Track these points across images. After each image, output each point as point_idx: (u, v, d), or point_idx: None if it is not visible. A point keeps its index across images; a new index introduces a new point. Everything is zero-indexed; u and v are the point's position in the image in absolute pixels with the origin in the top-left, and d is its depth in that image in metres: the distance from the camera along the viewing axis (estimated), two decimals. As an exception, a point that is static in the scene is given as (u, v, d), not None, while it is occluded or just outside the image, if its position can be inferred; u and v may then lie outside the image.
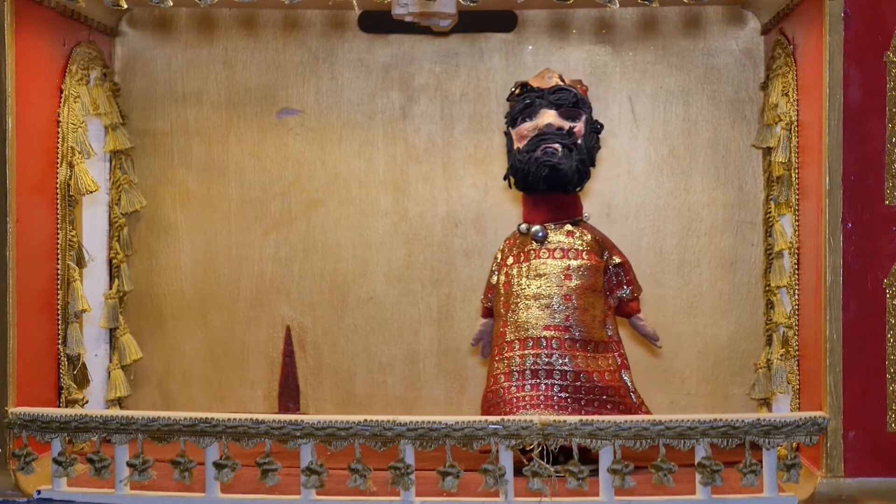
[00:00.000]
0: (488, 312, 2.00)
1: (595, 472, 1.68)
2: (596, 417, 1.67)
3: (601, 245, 1.95)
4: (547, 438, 1.66)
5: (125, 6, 1.86)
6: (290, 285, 2.27)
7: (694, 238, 2.24)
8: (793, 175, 1.91)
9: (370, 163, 2.27)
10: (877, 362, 1.70)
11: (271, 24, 2.27)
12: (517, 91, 1.95)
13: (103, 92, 2.13)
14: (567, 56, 2.25)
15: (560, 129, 1.90)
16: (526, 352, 1.87)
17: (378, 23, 2.24)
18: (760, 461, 1.68)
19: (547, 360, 1.86)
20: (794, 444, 1.69)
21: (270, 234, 2.27)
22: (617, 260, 1.95)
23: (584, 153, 1.92)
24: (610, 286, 1.95)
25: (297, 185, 2.27)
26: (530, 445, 1.66)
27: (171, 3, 1.83)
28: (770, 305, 2.06)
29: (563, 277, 1.90)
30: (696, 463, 1.67)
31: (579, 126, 1.92)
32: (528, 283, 1.90)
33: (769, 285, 2.05)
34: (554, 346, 1.87)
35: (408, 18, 1.90)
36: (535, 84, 1.94)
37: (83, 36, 2.08)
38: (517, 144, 1.92)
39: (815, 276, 1.76)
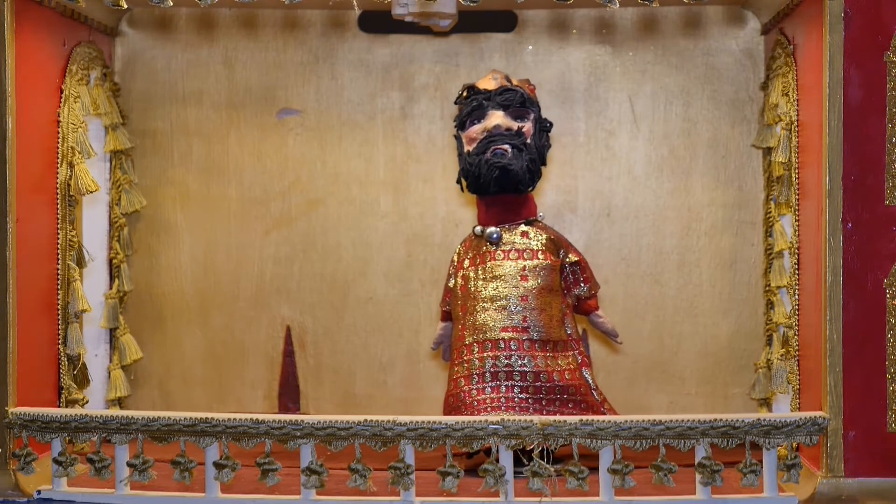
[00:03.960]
0: (447, 316, 2.00)
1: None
2: (596, 417, 1.67)
3: (557, 244, 1.94)
4: (547, 438, 1.66)
5: (125, 6, 1.86)
6: (290, 285, 2.27)
7: (694, 238, 2.24)
8: (793, 175, 1.91)
9: (370, 163, 2.27)
10: (877, 362, 1.70)
11: (271, 24, 2.27)
12: (464, 94, 1.95)
13: (103, 92, 2.13)
14: (567, 56, 2.25)
15: (508, 129, 1.90)
16: (485, 354, 1.87)
17: (378, 23, 2.24)
18: (760, 461, 1.68)
19: (506, 361, 1.86)
20: (794, 444, 1.69)
21: (270, 233, 2.27)
22: (573, 258, 1.95)
23: (535, 152, 1.92)
24: (567, 284, 1.95)
25: (297, 185, 2.27)
26: (529, 445, 1.66)
27: (171, 3, 1.83)
28: (770, 305, 2.06)
29: (519, 278, 1.90)
30: (696, 463, 1.67)
31: (528, 126, 1.92)
32: (484, 284, 1.90)
33: (769, 285, 2.06)
34: (512, 347, 1.87)
35: (408, 18, 1.90)
36: (481, 86, 1.94)
37: (83, 36, 2.08)
38: (467, 147, 1.92)
39: (815, 276, 1.76)
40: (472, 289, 1.91)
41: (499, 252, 1.92)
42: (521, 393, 1.85)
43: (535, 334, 1.87)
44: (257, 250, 2.27)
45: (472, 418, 1.70)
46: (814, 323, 1.78)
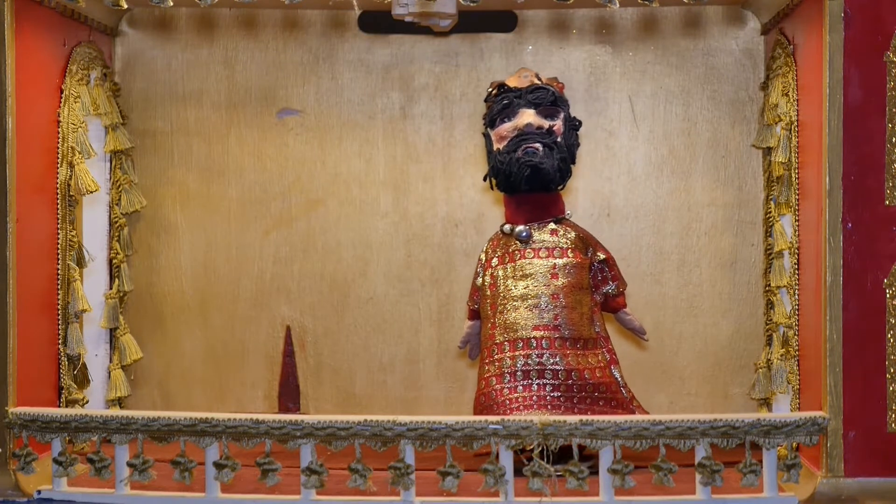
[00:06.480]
0: (475, 314, 1.99)
1: (593, 469, 1.68)
2: (596, 417, 1.67)
3: (585, 242, 1.94)
4: (547, 438, 1.66)
5: (125, 6, 1.86)
6: (290, 285, 2.27)
7: (694, 238, 2.24)
8: (793, 175, 1.91)
9: (370, 163, 2.27)
10: (877, 362, 1.70)
11: (271, 24, 2.27)
12: (494, 92, 1.95)
13: (103, 92, 2.13)
14: (567, 56, 2.25)
15: (540, 128, 1.90)
16: (516, 353, 1.87)
17: (378, 23, 2.24)
18: (760, 461, 1.68)
19: (538, 360, 1.86)
20: (794, 444, 1.69)
21: (270, 233, 2.27)
22: (601, 256, 1.95)
23: (565, 151, 1.91)
24: (595, 282, 1.95)
25: (297, 185, 2.27)
26: (530, 445, 1.66)
27: (171, 3, 1.83)
28: (770, 305, 2.06)
29: (549, 276, 1.90)
30: (696, 463, 1.67)
31: (558, 124, 1.92)
32: (514, 283, 1.90)
33: (769, 285, 2.05)
34: (544, 345, 1.87)
35: (408, 18, 1.90)
36: (511, 84, 1.94)
37: (83, 36, 2.08)
38: (497, 145, 1.92)
39: (815, 276, 1.76)
40: (502, 287, 1.91)
41: (528, 250, 1.91)
42: (553, 391, 1.85)
43: (566, 332, 1.87)
44: (257, 250, 2.27)
45: (471, 418, 1.70)
46: (814, 323, 1.78)
